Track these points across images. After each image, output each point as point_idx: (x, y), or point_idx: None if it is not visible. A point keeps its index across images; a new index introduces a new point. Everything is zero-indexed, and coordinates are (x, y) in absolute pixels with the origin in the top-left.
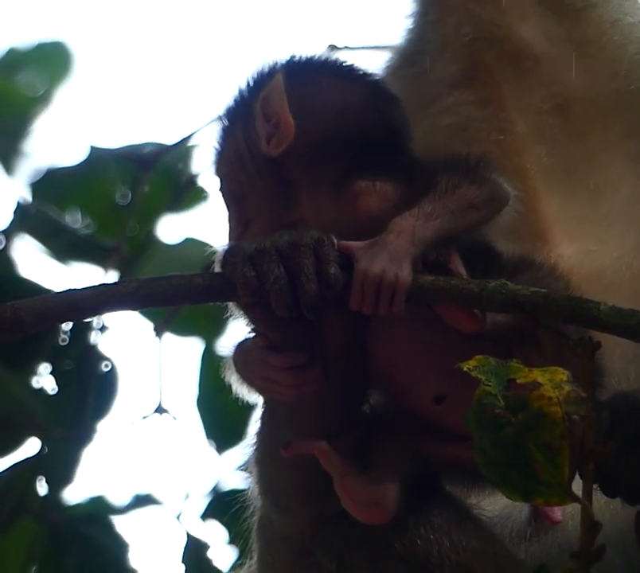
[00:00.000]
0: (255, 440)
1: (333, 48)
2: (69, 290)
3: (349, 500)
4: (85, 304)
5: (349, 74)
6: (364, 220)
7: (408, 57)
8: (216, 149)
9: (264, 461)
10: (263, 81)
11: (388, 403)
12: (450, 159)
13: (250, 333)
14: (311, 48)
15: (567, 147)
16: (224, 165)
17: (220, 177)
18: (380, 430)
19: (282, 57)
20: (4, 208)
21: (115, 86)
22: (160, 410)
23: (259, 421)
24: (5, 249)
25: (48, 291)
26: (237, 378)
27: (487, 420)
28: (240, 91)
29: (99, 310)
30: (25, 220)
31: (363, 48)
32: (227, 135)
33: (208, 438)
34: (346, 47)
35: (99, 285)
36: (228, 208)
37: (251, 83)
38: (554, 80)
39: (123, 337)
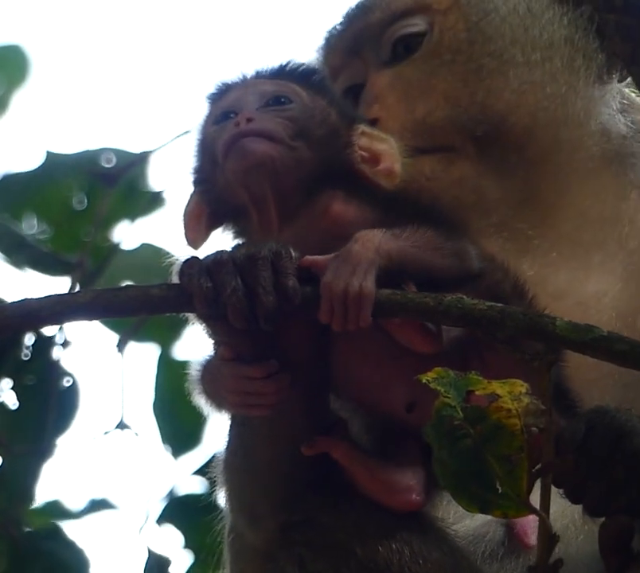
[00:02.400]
0: (225, 456)
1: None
2: (25, 299)
3: (385, 491)
4: (41, 314)
5: None
6: (332, 232)
7: None
8: None
9: (237, 474)
10: None
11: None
12: (433, 208)
13: (213, 346)
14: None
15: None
16: None
17: None
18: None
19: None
20: None
21: (72, 91)
22: (122, 425)
23: (228, 437)
24: None
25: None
26: (204, 398)
27: (446, 431)
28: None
29: (55, 320)
30: None
31: None
32: None
33: (164, 443)
34: None
35: (56, 295)
36: None
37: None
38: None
39: (85, 352)
